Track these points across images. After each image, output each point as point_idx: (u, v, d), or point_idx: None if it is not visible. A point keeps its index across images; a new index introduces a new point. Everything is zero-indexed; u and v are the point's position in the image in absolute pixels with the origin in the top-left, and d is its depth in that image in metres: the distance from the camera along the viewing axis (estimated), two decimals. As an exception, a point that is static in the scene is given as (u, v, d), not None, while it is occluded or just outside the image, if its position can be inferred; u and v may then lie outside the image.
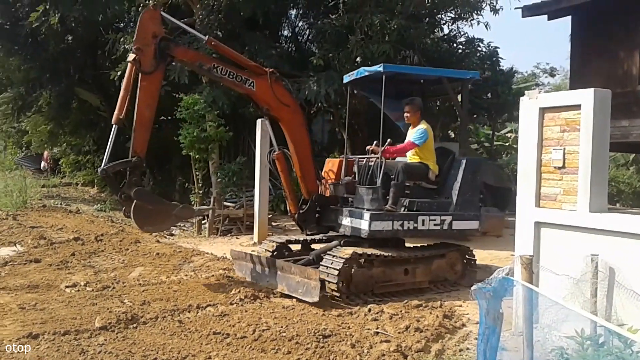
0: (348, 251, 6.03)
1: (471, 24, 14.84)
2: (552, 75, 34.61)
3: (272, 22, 14.66)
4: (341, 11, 12.81)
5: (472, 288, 3.43)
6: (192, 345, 4.40)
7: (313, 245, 7.41)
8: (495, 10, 14.22)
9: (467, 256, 6.99)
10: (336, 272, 5.82)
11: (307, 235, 7.10)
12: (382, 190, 6.31)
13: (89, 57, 15.94)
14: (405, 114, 6.84)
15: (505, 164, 18.64)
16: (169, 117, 15.04)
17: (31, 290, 6.09)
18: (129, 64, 5.82)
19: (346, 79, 7.60)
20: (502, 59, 15.69)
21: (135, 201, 5.75)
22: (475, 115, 17.89)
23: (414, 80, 7.71)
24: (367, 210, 6.19)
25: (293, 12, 16.05)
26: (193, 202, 11.91)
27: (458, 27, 15.81)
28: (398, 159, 7.07)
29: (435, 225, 6.46)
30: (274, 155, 6.69)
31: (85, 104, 17.71)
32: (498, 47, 15.55)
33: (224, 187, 11.79)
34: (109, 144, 6.00)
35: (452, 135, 18.98)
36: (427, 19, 14.40)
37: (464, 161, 6.79)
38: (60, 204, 14.88)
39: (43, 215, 12.66)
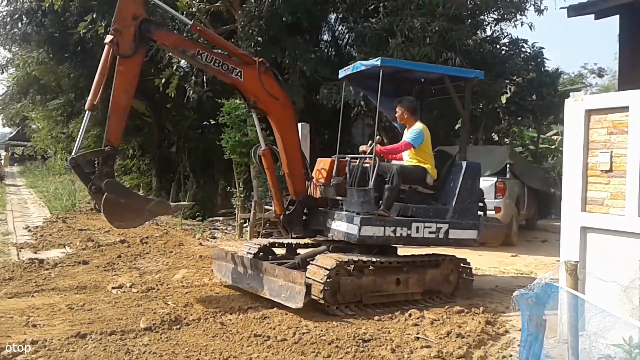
0: (336, 257, 5.65)
1: (515, 25, 14.55)
2: (600, 76, 33.65)
3: (312, 27, 14.73)
4: (381, 14, 12.79)
5: (514, 294, 3.37)
6: (234, 347, 4.47)
7: (299, 250, 6.98)
8: (539, 11, 13.93)
9: (461, 266, 6.53)
10: (322, 279, 5.39)
11: (292, 238, 6.70)
12: (374, 193, 5.95)
13: (134, 64, 16.38)
14: (399, 114, 6.50)
15: (551, 167, 18.21)
16: (212, 122, 15.34)
17: (79, 291, 6.28)
18: (106, 46, 5.43)
19: (341, 73, 7.09)
20: (547, 59, 15.39)
21: (105, 194, 5.33)
22: (519, 118, 17.56)
23: (414, 80, 7.23)
24: (358, 214, 5.84)
25: (333, 16, 16.09)
26: (235, 206, 12.10)
27: (501, 28, 15.56)
28: (394, 161, 6.75)
29: (430, 233, 6.07)
30: (260, 152, 6.39)
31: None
32: (543, 48, 15.26)
33: (265, 191, 11.90)
34: (80, 131, 5.70)
35: (496, 138, 18.66)
36: (469, 20, 14.19)
37: (464, 165, 6.40)
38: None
39: (91, 218, 13.06)
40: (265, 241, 7.09)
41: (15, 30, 14.69)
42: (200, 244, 9.71)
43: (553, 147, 21.42)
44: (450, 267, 6.43)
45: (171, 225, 12.29)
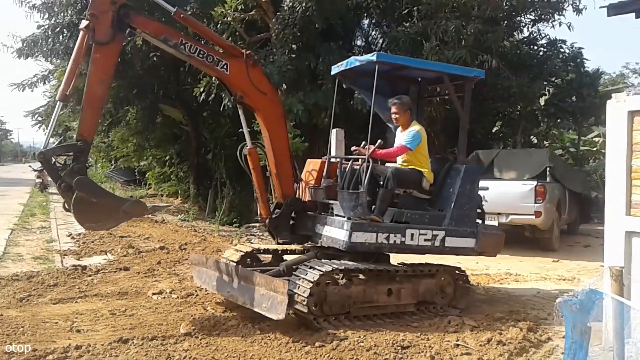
0: (324, 265, 5.27)
1: (552, 25, 14.28)
2: (643, 76, 32.68)
3: (345, 33, 14.77)
4: (415, 18, 12.73)
5: (558, 301, 3.29)
6: (272, 353, 4.49)
7: (286, 257, 6.61)
8: (578, 10, 13.62)
9: (457, 274, 6.17)
10: (308, 289, 5.00)
11: (278, 244, 6.31)
12: (368, 197, 5.61)
13: (172, 74, 16.69)
14: (393, 115, 6.10)
15: (593, 170, 17.76)
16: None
17: (121, 297, 6.42)
18: (81, 32, 5.08)
19: (334, 69, 6.70)
20: (586, 60, 15.05)
21: (76, 192, 4.93)
22: (559, 120, 17.21)
23: (411, 79, 6.89)
24: (348, 218, 5.50)
25: (366, 21, 16.10)
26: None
27: (539, 29, 15.33)
28: (388, 163, 6.46)
29: (425, 240, 5.72)
30: (246, 150, 6.06)
31: (168, 118, 18.56)
32: (582, 48, 14.95)
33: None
34: (51, 123, 5.40)
35: (535, 140, 18.32)
36: (506, 22, 14.02)
37: (462, 170, 6.06)
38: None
39: (131, 225, 13.31)
40: (250, 247, 6.73)
41: (57, 43, 15.16)
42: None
43: (594, 149, 20.92)
44: (446, 277, 6.05)
45: (209, 232, 12.46)
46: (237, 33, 13.44)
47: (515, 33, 15.15)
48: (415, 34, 12.36)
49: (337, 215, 5.79)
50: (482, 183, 10.11)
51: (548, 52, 14.88)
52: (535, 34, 15.48)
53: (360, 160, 5.84)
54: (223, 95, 13.27)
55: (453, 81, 6.38)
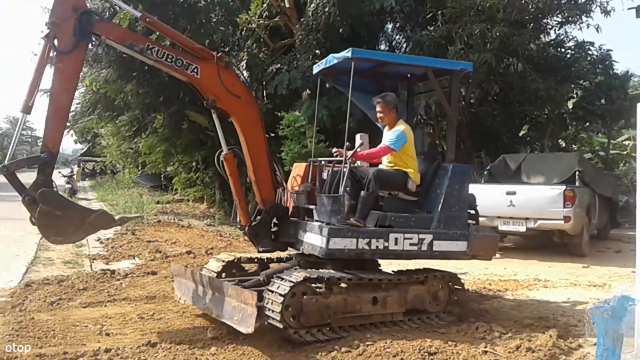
0: (300, 273, 4.97)
1: (580, 27, 14.08)
2: (674, 77, 31.89)
3: (369, 38, 14.78)
4: (440, 22, 12.68)
5: (589, 307, 3.24)
6: (299, 357, 4.49)
7: (273, 265, 6.32)
8: (606, 12, 13.41)
9: (451, 282, 5.85)
10: (280, 299, 4.67)
11: (259, 252, 6.02)
12: (350, 200, 5.37)
13: (197, 80, 16.91)
14: (378, 114, 5.79)
15: (623, 174, 17.42)
16: (271, 135, 15.60)
17: (149, 300, 6.49)
18: (43, 41, 4.90)
19: (315, 69, 6.41)
20: (615, 62, 14.86)
21: (40, 205, 4.79)
22: (588, 123, 16.94)
23: (398, 75, 6.52)
24: (327, 224, 5.20)
25: (390, 26, 16.09)
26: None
27: (566, 31, 15.16)
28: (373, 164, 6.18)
29: (411, 245, 5.36)
30: (223, 156, 5.80)
31: (194, 124, 18.76)
32: (611, 50, 14.74)
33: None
34: (14, 136, 5.23)
35: (563, 144, 18.06)
36: (532, 24, 13.87)
37: (449, 169, 5.68)
38: (174, 219, 15.78)
39: (158, 230, 13.49)
40: (229, 257, 6.42)
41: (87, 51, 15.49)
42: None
43: (624, 152, 20.52)
44: (438, 282, 5.73)
45: (234, 237, 12.53)
46: (261, 39, 13.57)
47: (541, 35, 14.99)
48: (440, 37, 12.32)
49: (317, 220, 5.49)
50: (509, 187, 10.15)
51: (576, 54, 14.69)
52: (562, 36, 15.32)
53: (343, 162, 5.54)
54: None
55: (439, 76, 6.08)
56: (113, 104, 17.69)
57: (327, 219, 5.27)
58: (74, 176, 26.56)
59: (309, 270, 5.19)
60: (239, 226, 5.96)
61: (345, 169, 5.39)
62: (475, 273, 8.45)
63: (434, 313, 5.60)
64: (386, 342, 4.69)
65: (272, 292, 4.81)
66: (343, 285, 5.15)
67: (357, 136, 9.52)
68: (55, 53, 4.89)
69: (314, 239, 5.28)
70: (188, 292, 5.78)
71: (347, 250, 5.14)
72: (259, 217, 5.80)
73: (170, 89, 16.89)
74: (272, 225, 5.83)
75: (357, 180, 5.54)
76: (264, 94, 13.10)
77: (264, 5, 13.20)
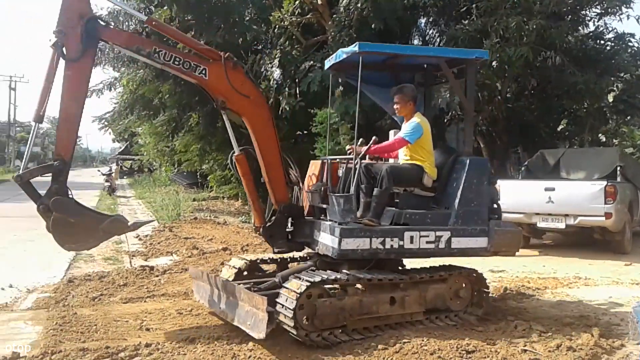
0: (311, 276, 4.89)
1: (620, 19, 13.69)
2: None
3: (402, 33, 14.66)
4: (474, 15, 12.49)
5: (633, 305, 3.15)
6: (335, 354, 4.50)
7: (292, 265, 6.22)
8: (648, 1, 12.98)
9: (473, 277, 5.67)
10: (293, 302, 4.59)
11: (274, 253, 5.95)
12: (366, 198, 5.30)
13: (231, 79, 17.08)
14: (395, 105, 5.65)
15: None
16: (304, 132, 15.66)
17: (187, 296, 6.58)
18: (51, 49, 4.90)
19: (327, 64, 6.26)
20: (658, 54, 14.32)
21: (53, 213, 4.85)
22: (629, 117, 16.49)
23: (414, 66, 6.31)
24: (340, 224, 5.04)
25: (423, 20, 15.93)
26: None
27: (605, 23, 14.75)
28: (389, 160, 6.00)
29: (428, 242, 5.19)
30: (234, 157, 5.74)
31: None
32: (653, 42, 14.23)
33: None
34: (28, 145, 5.30)
35: (604, 139, 17.62)
36: (570, 16, 13.55)
37: (467, 162, 5.45)
38: (209, 216, 16.00)
39: (195, 227, 13.69)
40: (248, 258, 6.36)
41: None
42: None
43: (669, 146, 19.85)
44: (460, 280, 5.59)
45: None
46: (294, 37, 13.61)
47: (580, 28, 14.65)
48: (475, 31, 12.14)
49: (330, 220, 5.31)
50: (548, 184, 9.95)
51: (616, 46, 14.28)
52: (601, 28, 14.90)
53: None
54: (281, 98, 13.47)
55: (454, 66, 5.84)
56: (150, 104, 18.02)
57: (339, 218, 5.10)
58: (113, 174, 27.16)
59: (319, 272, 5.13)
60: (253, 227, 5.88)
61: (356, 167, 5.30)
62: (513, 271, 8.32)
63: (455, 312, 5.47)
64: (423, 340, 4.66)
65: (285, 296, 4.74)
66: (359, 286, 5.05)
67: (391, 132, 9.48)
68: (64, 61, 4.89)
69: (327, 239, 5.18)
70: (205, 295, 5.75)
71: (361, 250, 5.00)
72: (274, 218, 5.71)
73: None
74: (287, 225, 5.75)
75: (372, 177, 5.40)
76: (297, 92, 13.14)
77: (297, 2, 13.21)
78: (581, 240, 10.67)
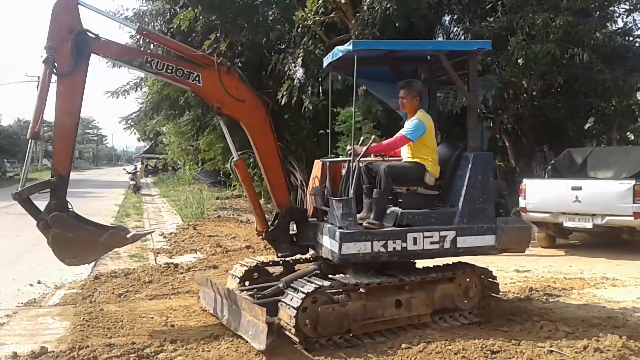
0: (312, 283, 4.80)
1: (649, 15, 13.40)
2: None
3: (426, 30, 14.56)
4: (500, 13, 12.35)
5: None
6: (358, 353, 4.49)
7: (298, 267, 6.14)
8: (678, -3, 12.70)
9: (483, 277, 5.54)
10: (294, 310, 4.53)
11: (278, 257, 5.84)
12: (368, 199, 5.20)
13: (254, 78, 17.09)
14: (401, 100, 5.47)
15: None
16: (327, 131, 15.65)
17: (211, 294, 6.65)
18: (43, 65, 4.87)
19: (325, 62, 6.14)
20: (689, 50, 13.98)
21: (52, 229, 4.86)
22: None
23: (418, 59, 6.06)
24: (340, 227, 4.89)
25: (447, 18, 15.79)
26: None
27: (634, 19, 14.56)
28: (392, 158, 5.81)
29: (432, 243, 5.04)
30: (233, 163, 5.66)
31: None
32: (683, 38, 13.90)
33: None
34: (25, 162, 5.24)
35: (632, 137, 17.28)
36: (597, 13, 13.30)
37: (471, 158, 5.26)
38: (233, 214, 16.11)
39: (218, 225, 13.81)
40: (253, 261, 6.29)
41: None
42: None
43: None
44: (469, 279, 5.47)
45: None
46: (317, 36, 13.60)
47: (608, 24, 14.36)
48: (500, 28, 11.98)
49: (331, 223, 5.16)
50: (575, 183, 9.79)
51: (645, 43, 14.00)
52: (630, 25, 14.65)
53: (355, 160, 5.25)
54: (304, 97, 13.48)
55: (454, 58, 5.61)
56: (176, 104, 18.21)
57: (339, 222, 4.95)
58: (138, 173, 27.55)
59: (333, 275, 5.10)
60: (256, 232, 5.82)
61: (354, 168, 5.17)
62: (538, 270, 8.21)
63: (465, 311, 5.37)
64: (447, 340, 4.62)
65: (288, 300, 4.69)
66: (362, 290, 4.94)
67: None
68: (56, 76, 4.88)
69: (328, 243, 5.08)
70: (211, 302, 5.71)
71: (362, 254, 4.87)
72: (276, 222, 5.62)
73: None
74: (290, 228, 5.69)
75: (373, 177, 5.28)
76: (320, 90, 13.14)
77: (320, 1, 13.19)
78: (609, 240, 10.46)
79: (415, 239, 5.01)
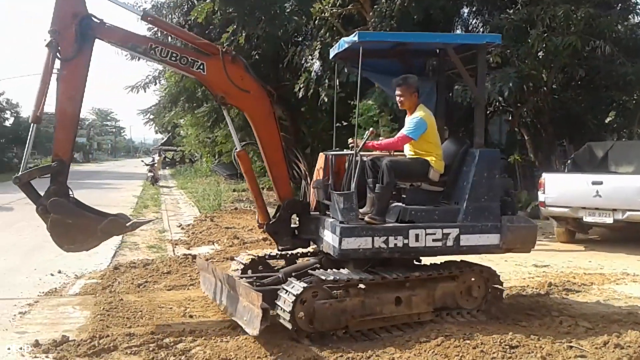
0: (311, 276, 4.80)
1: (672, 7, 13.16)
2: None
3: (444, 23, 14.44)
4: (520, 4, 12.21)
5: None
6: (377, 346, 4.49)
7: (299, 260, 6.06)
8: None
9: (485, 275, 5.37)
10: (291, 304, 4.48)
11: (279, 250, 5.75)
12: (372, 194, 5.12)
13: (272, 70, 17.14)
14: (398, 98, 5.30)
15: None
16: (344, 124, 15.63)
17: (229, 285, 6.69)
18: (46, 49, 4.83)
19: (332, 53, 6.04)
20: None
21: (51, 215, 4.85)
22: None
23: (427, 52, 5.90)
24: (341, 222, 4.83)
25: (466, 10, 15.65)
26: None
27: (657, 11, 14.16)
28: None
29: (434, 240, 4.92)
30: (236, 154, 5.60)
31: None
32: None
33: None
34: (26, 146, 5.18)
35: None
36: (619, 4, 13.09)
37: (477, 155, 5.12)
38: (249, 207, 16.17)
39: (235, 217, 13.88)
40: (256, 254, 6.25)
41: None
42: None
43: None
44: (473, 277, 5.33)
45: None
46: (334, 28, 13.56)
47: (630, 16, 14.12)
48: (520, 20, 11.85)
49: (333, 218, 5.10)
50: (596, 177, 9.67)
51: (667, 35, 13.73)
52: (654, 16, 14.34)
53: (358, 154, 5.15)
54: (320, 89, 13.47)
55: (463, 52, 5.46)
56: (194, 96, 18.29)
57: (339, 217, 4.90)
58: (156, 165, 27.73)
59: (334, 269, 4.99)
60: (257, 224, 5.76)
61: (356, 160, 5.07)
62: (558, 266, 8.14)
63: (467, 310, 5.25)
64: (466, 334, 4.61)
65: (285, 294, 4.65)
66: (361, 286, 4.87)
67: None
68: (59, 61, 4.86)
69: (329, 237, 5.01)
70: (210, 287, 5.70)
71: (363, 250, 4.79)
72: (278, 214, 5.56)
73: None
74: (292, 222, 5.64)
75: (377, 172, 5.19)
76: (337, 83, 13.13)
77: (337, -7, 13.18)
78: (629, 235, 10.32)
79: (417, 235, 4.91)
